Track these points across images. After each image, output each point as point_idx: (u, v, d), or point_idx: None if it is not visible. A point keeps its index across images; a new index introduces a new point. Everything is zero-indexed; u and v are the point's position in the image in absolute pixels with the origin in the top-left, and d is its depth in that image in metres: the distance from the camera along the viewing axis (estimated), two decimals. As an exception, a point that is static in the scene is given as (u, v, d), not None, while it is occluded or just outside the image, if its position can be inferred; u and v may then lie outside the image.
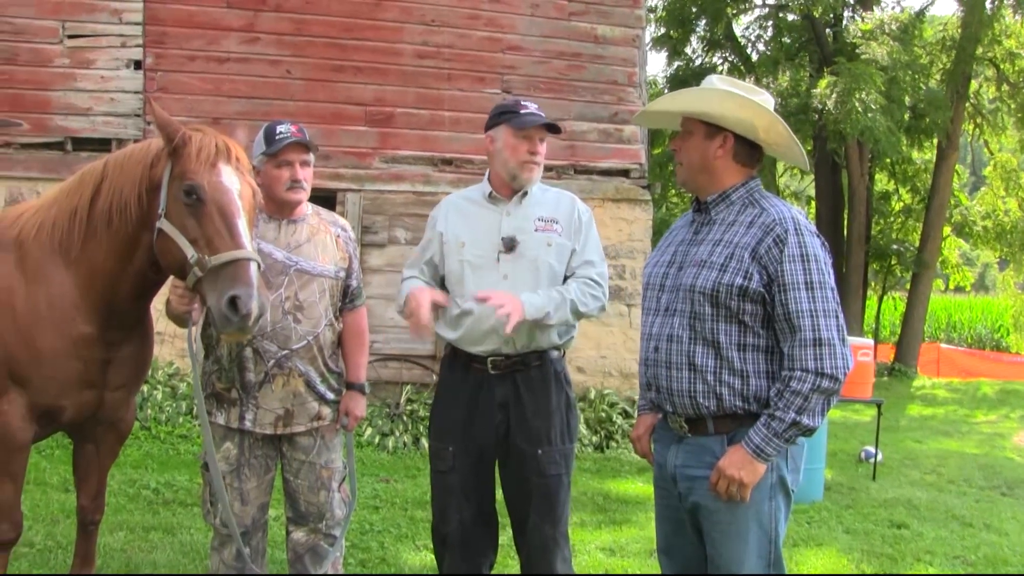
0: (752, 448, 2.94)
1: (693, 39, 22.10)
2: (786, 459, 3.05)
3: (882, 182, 22.92)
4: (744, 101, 3.07)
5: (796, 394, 2.89)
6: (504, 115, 3.87)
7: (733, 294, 2.99)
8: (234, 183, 3.41)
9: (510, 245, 3.80)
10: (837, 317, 2.94)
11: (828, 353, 2.89)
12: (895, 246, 20.89)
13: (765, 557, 3.05)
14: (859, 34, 17.59)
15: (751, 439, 2.95)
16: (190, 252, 3.32)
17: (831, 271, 3.00)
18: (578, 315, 3.79)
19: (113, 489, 6.36)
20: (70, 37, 9.03)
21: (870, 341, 9.94)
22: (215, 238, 3.31)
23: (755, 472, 2.95)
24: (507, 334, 3.59)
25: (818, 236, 3.04)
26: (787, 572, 3.20)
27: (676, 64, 22.17)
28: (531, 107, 3.86)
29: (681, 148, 3.23)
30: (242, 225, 3.34)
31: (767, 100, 3.14)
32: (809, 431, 2.93)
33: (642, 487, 7.50)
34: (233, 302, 3.19)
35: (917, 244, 20.20)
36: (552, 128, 3.87)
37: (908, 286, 20.98)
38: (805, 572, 5.67)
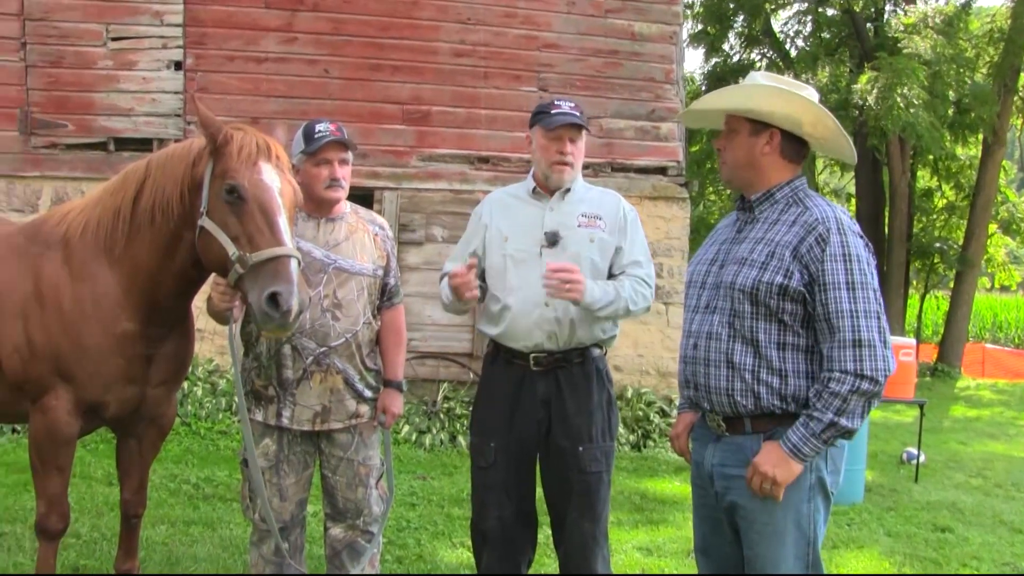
0: (789, 447, 2.92)
1: (731, 35, 21.96)
2: (826, 460, 3.03)
3: (924, 179, 22.64)
4: (791, 96, 3.06)
5: (835, 395, 2.87)
6: (537, 115, 3.91)
7: (773, 292, 2.98)
8: (275, 181, 3.46)
9: (552, 240, 3.83)
10: (879, 318, 2.91)
11: (868, 355, 2.86)
12: (938, 244, 20.63)
13: (803, 558, 3.03)
14: (901, 28, 17.38)
15: (788, 438, 2.93)
16: (231, 249, 3.37)
17: (875, 272, 2.98)
18: (627, 314, 3.81)
19: (155, 483, 6.47)
20: (113, 40, 9.17)
21: (912, 341, 9.86)
22: (256, 235, 3.35)
23: (790, 471, 2.93)
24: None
25: (862, 237, 3.01)
26: (826, 575, 3.18)
27: (714, 61, 22.05)
28: (564, 106, 3.86)
29: (726, 146, 3.22)
30: (283, 222, 3.39)
31: (812, 94, 3.13)
32: (848, 433, 2.91)
33: (679, 487, 7.49)
34: (274, 298, 3.23)
35: (961, 242, 19.94)
36: (581, 127, 3.86)
37: (951, 284, 20.73)
38: (845, 575, 5.64)
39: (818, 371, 2.98)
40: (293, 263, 3.32)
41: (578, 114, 3.85)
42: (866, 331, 2.87)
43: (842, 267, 2.92)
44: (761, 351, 3.02)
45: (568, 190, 3.93)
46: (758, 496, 2.99)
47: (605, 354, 4.02)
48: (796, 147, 3.15)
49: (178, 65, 9.24)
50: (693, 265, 3.35)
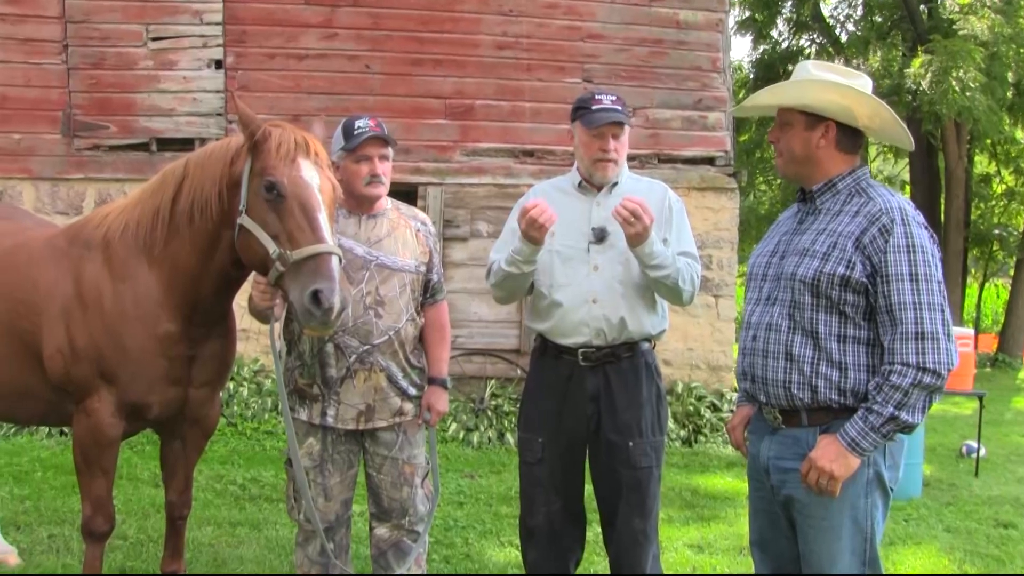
0: (847, 441, 2.89)
1: (779, 21, 21.79)
2: (884, 455, 2.99)
3: (982, 164, 22.35)
4: (846, 90, 3.04)
5: (895, 388, 2.83)
6: (579, 110, 3.86)
7: (835, 283, 2.96)
8: (314, 178, 3.46)
9: (600, 236, 3.80)
10: (943, 311, 2.87)
11: (932, 347, 2.82)
12: (997, 230, 20.39)
13: (860, 555, 3.00)
14: (956, 9, 17.12)
15: (847, 432, 2.90)
16: (272, 247, 3.38)
17: (939, 264, 2.94)
18: (673, 288, 3.74)
19: (200, 484, 6.53)
20: (153, 40, 9.29)
21: (970, 331, 9.70)
22: (296, 233, 3.35)
23: (848, 466, 2.89)
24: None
25: (927, 228, 2.97)
26: (884, 572, 3.13)
27: (762, 48, 21.89)
28: (605, 101, 3.81)
29: (780, 139, 3.20)
30: (323, 219, 3.39)
31: (866, 83, 3.10)
32: (908, 428, 2.87)
33: (731, 482, 7.42)
34: (316, 296, 3.23)
35: (1021, 228, 19.65)
36: (622, 123, 3.81)
37: (1012, 272, 20.41)
38: (903, 572, 5.55)
39: (879, 365, 2.95)
40: (334, 260, 3.31)
41: (620, 108, 3.80)
42: (929, 324, 2.83)
43: (906, 258, 2.89)
44: (821, 343, 3.00)
45: (615, 183, 3.90)
46: (814, 492, 2.96)
47: (654, 347, 3.99)
48: (852, 138, 3.13)
49: (218, 64, 9.33)
50: (754, 258, 3.34)
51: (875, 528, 3.01)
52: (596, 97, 3.85)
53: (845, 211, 3.04)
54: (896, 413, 2.83)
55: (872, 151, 22.02)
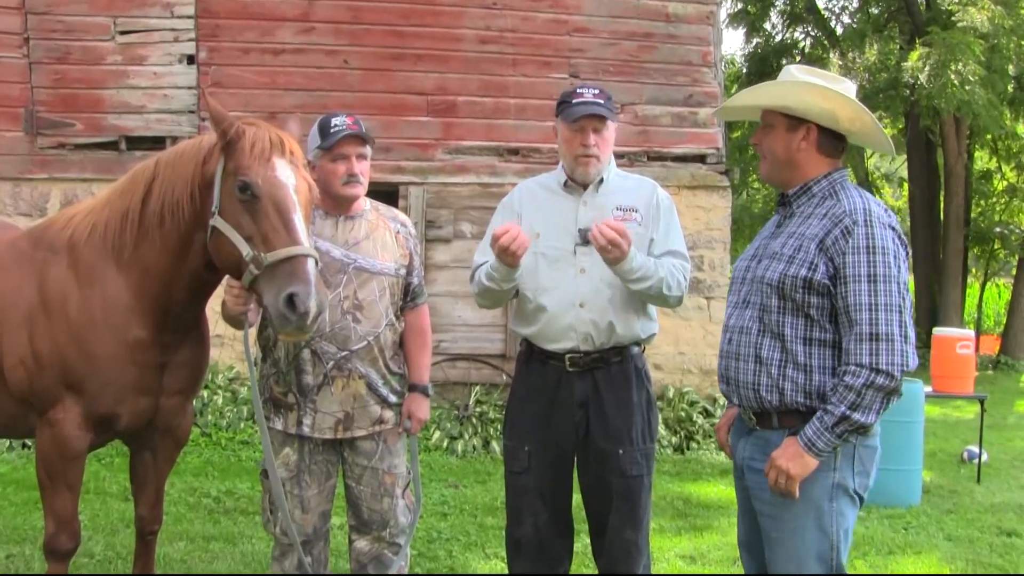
0: (804, 441, 3.00)
1: (772, 14, 21.83)
2: (852, 460, 3.09)
3: (982, 160, 22.45)
4: (827, 92, 3.12)
5: (849, 389, 2.94)
6: (560, 105, 3.87)
7: (798, 286, 3.07)
8: (289, 178, 3.46)
9: (587, 237, 3.77)
10: (901, 312, 2.97)
11: (886, 348, 2.93)
12: (998, 228, 20.47)
13: (826, 563, 3.09)
14: (955, 0, 17.19)
15: (804, 432, 3.01)
16: (245, 250, 3.37)
17: (902, 265, 3.04)
18: (659, 296, 3.76)
19: (173, 498, 6.51)
20: (122, 33, 9.25)
21: (971, 332, 9.68)
22: (271, 235, 3.35)
23: (804, 466, 3.00)
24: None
25: (893, 229, 3.07)
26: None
27: (755, 41, 21.93)
28: (587, 94, 3.81)
29: (763, 142, 3.30)
30: (299, 220, 3.38)
31: (849, 88, 3.18)
32: (862, 428, 2.97)
33: (724, 490, 7.44)
34: (291, 300, 3.23)
35: (1023, 226, 19.74)
36: (603, 116, 3.80)
37: (1014, 272, 20.50)
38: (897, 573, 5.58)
39: None
40: (310, 263, 3.31)
41: (602, 102, 3.80)
42: (884, 325, 2.94)
43: (865, 259, 2.98)
44: (787, 346, 3.11)
45: (601, 181, 3.90)
46: (776, 492, 3.07)
47: (644, 351, 4.00)
48: (833, 142, 3.22)
49: (191, 59, 9.30)
50: (738, 262, 3.45)
51: (841, 536, 3.10)
52: (578, 91, 3.86)
53: (816, 213, 3.14)
54: (848, 413, 2.93)
55: (868, 149, 22.08)
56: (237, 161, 3.45)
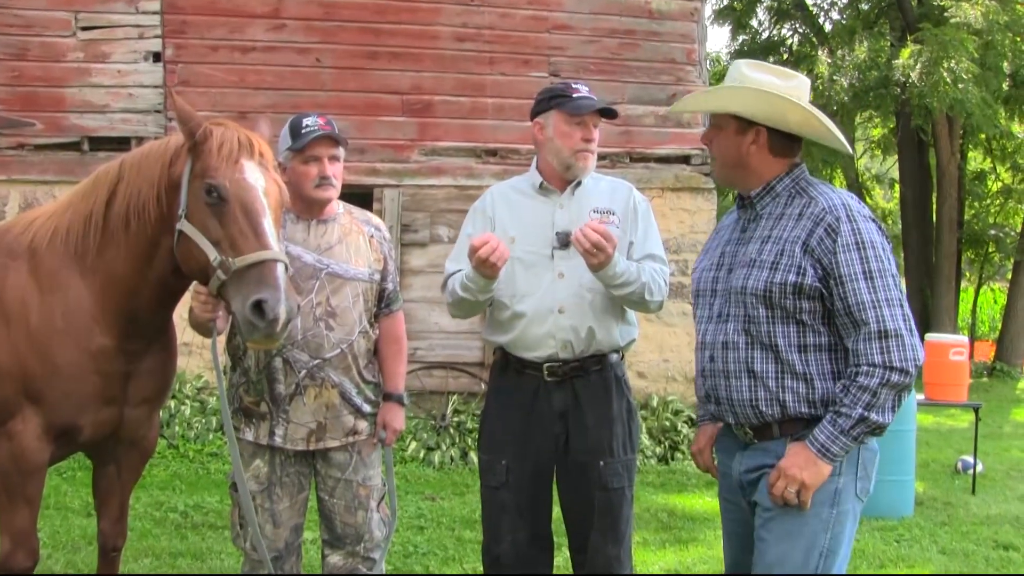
0: (817, 447, 2.96)
1: (759, 10, 21.94)
2: (856, 465, 3.07)
3: (976, 160, 22.57)
4: (773, 98, 3.10)
5: (863, 389, 2.92)
6: (555, 99, 3.87)
7: (788, 293, 3.03)
8: (259, 180, 3.46)
9: (565, 241, 3.79)
10: (902, 306, 2.97)
11: (896, 345, 2.92)
12: (993, 231, 20.56)
13: (813, 566, 3.03)
14: (948, -5, 17.29)
15: (816, 437, 2.97)
16: (212, 254, 3.37)
17: (891, 257, 3.04)
18: (641, 301, 3.78)
19: (138, 512, 6.49)
20: (84, 29, 9.22)
21: (964, 338, 9.77)
22: (239, 239, 3.35)
23: (819, 474, 2.97)
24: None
25: (873, 220, 3.07)
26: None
27: (741, 38, 22.05)
28: (583, 90, 3.86)
29: (713, 142, 3.28)
30: (268, 224, 3.39)
31: (801, 85, 3.18)
32: (879, 428, 2.96)
33: (710, 502, 7.47)
34: (259, 306, 3.22)
35: (1019, 228, 19.85)
36: (607, 113, 3.86)
37: (1009, 276, 20.62)
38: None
39: (844, 370, 3.04)
40: (279, 268, 3.32)
41: (596, 98, 3.87)
42: (891, 321, 2.93)
43: (857, 256, 2.97)
44: (782, 356, 3.07)
45: (578, 183, 3.92)
46: (780, 504, 3.02)
47: (623, 358, 4.02)
48: (786, 142, 3.20)
49: (156, 56, 9.28)
50: (698, 272, 3.40)
51: (836, 543, 3.06)
52: (573, 86, 3.90)
53: (787, 214, 3.12)
54: (866, 414, 2.91)
55: (859, 147, 22.22)
56: (204, 163, 3.45)
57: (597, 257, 3.57)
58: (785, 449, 3.06)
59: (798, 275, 3.01)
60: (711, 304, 3.27)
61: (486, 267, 3.60)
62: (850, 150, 3.36)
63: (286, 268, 3.37)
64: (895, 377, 2.91)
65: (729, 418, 3.22)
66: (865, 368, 2.93)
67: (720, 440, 3.39)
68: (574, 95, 3.84)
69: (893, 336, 2.92)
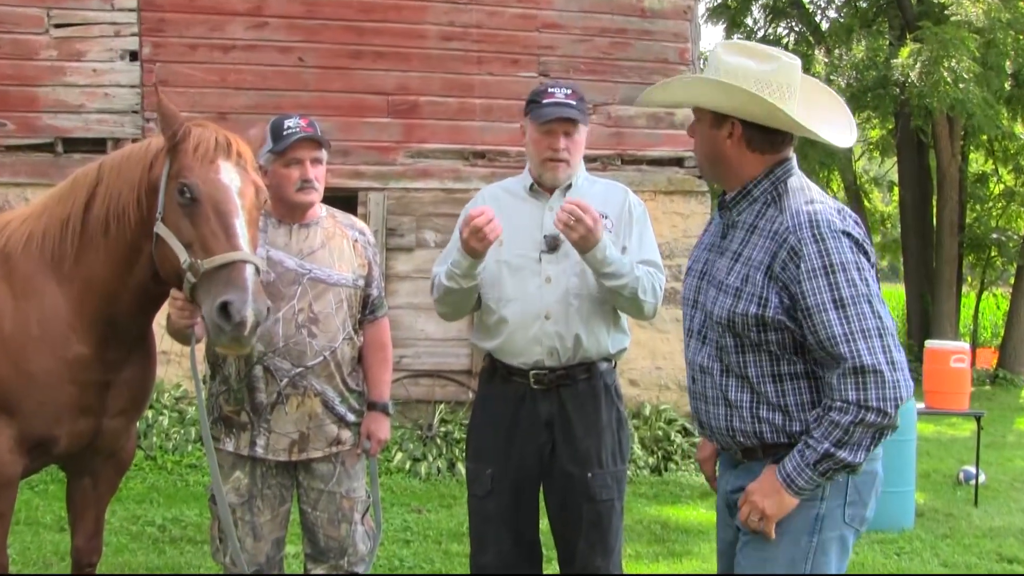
0: (783, 476, 2.83)
1: (754, 8, 21.95)
2: (845, 489, 2.93)
3: (978, 162, 22.58)
4: (731, 89, 2.91)
5: (835, 425, 2.74)
6: (530, 104, 3.88)
7: (749, 324, 2.90)
8: (234, 180, 3.47)
9: (553, 244, 3.81)
10: (881, 336, 2.75)
11: (874, 382, 2.72)
12: (995, 235, 20.51)
13: None
14: (948, -8, 17.33)
15: (784, 466, 2.83)
16: (183, 256, 3.38)
17: (868, 277, 2.82)
18: (632, 299, 3.75)
19: (113, 527, 6.48)
20: (57, 26, 9.18)
21: (965, 345, 9.76)
22: (210, 240, 3.36)
23: (781, 505, 2.84)
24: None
25: (848, 234, 2.84)
26: None
27: (735, 37, 22.04)
28: (558, 94, 3.83)
29: (694, 136, 3.15)
30: (240, 225, 3.39)
31: (780, 69, 2.96)
32: (849, 467, 2.79)
33: (704, 514, 7.49)
34: (225, 308, 3.22)
35: (1022, 232, 19.86)
36: (575, 120, 3.82)
37: (1012, 281, 20.65)
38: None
39: (821, 399, 2.89)
40: (248, 269, 3.31)
41: (574, 103, 3.81)
42: (868, 355, 2.72)
43: (825, 283, 2.77)
44: (755, 387, 2.95)
45: (569, 186, 3.92)
46: (746, 528, 2.93)
47: (615, 366, 4.02)
48: (766, 136, 3.00)
49: (134, 55, 9.26)
50: (687, 277, 3.27)
51: (818, 571, 2.92)
52: (549, 90, 3.87)
53: (759, 228, 2.95)
54: (833, 451, 2.74)
55: (857, 149, 22.24)
56: (180, 163, 3.47)
57: (576, 231, 3.53)
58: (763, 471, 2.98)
59: (759, 306, 2.86)
60: (692, 316, 3.16)
61: (477, 239, 3.58)
62: (844, 143, 3.12)
63: (257, 270, 3.37)
64: (871, 417, 2.71)
65: (713, 440, 3.18)
66: (839, 404, 2.74)
67: (722, 455, 3.29)
68: (544, 100, 3.82)
69: (871, 372, 2.71)
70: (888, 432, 2.80)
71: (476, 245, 3.62)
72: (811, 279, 2.78)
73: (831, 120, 3.11)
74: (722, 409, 3.03)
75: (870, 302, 2.78)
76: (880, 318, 2.78)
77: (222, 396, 3.90)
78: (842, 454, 2.74)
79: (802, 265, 2.79)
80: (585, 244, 3.59)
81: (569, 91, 3.87)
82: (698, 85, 3.10)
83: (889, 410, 2.73)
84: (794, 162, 3.09)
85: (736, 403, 2.99)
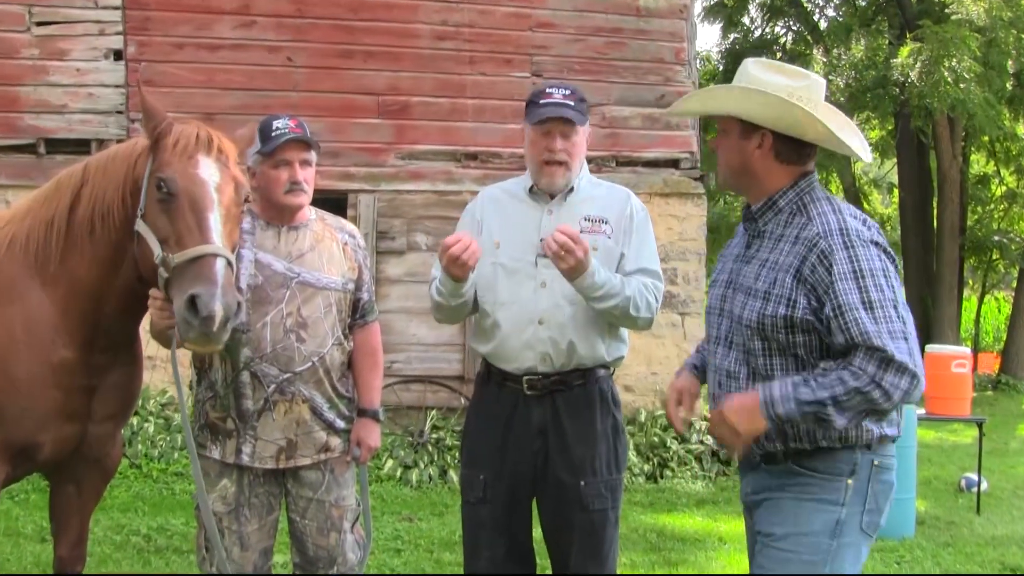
0: (765, 396, 2.93)
1: (751, 7, 21.97)
2: (864, 497, 3.04)
3: (979, 163, 22.67)
4: (770, 100, 3.05)
5: (841, 382, 2.84)
6: (528, 106, 3.86)
7: (779, 326, 3.01)
8: (212, 176, 3.46)
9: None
10: (906, 339, 2.87)
11: (895, 370, 2.82)
12: (996, 237, 20.59)
13: None
14: (949, -10, 17.38)
15: (771, 388, 2.94)
16: (157, 251, 3.38)
17: (895, 284, 2.96)
18: (625, 317, 3.77)
19: (97, 536, 6.46)
20: (39, 24, 9.18)
21: (967, 349, 9.79)
22: (184, 234, 3.35)
23: (752, 425, 2.94)
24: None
25: (876, 244, 2.99)
26: None
27: (732, 36, 22.10)
28: (556, 95, 3.81)
29: (720, 147, 3.25)
30: (214, 219, 3.38)
31: (812, 86, 3.12)
32: (829, 424, 2.89)
33: (701, 522, 7.50)
34: (192, 302, 3.21)
35: (1024, 234, 19.93)
36: (571, 120, 3.80)
37: (1015, 284, 20.71)
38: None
39: None
40: (219, 262, 3.30)
41: (571, 104, 3.80)
42: (898, 353, 2.82)
43: (854, 285, 2.89)
44: None
45: (572, 189, 3.90)
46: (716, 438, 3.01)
47: (612, 373, 4.02)
48: (795, 148, 3.14)
49: (118, 55, 9.26)
50: (712, 287, 3.38)
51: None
52: (547, 91, 3.85)
53: (787, 236, 3.07)
54: (827, 403, 2.85)
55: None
56: (159, 159, 3.47)
57: (566, 261, 3.54)
58: (790, 477, 3.08)
59: (788, 307, 2.99)
60: (718, 324, 3.26)
61: (456, 267, 3.59)
62: (868, 157, 3.34)
63: (230, 264, 3.36)
64: (876, 393, 2.83)
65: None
66: (855, 369, 2.84)
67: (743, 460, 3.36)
68: (542, 101, 3.81)
69: (897, 363, 2.82)
70: (879, 418, 2.96)
71: (457, 272, 3.63)
72: (842, 281, 2.90)
73: (851, 136, 3.22)
74: None
75: (896, 307, 2.91)
76: (904, 323, 2.90)
77: (208, 402, 3.89)
78: (831, 411, 2.86)
79: (833, 269, 2.92)
80: (573, 273, 3.59)
81: (568, 91, 3.85)
82: (735, 94, 3.16)
83: (895, 396, 2.83)
84: (816, 175, 3.22)
85: None
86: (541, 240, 3.79)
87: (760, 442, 3.06)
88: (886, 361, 2.82)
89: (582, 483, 3.81)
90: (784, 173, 3.15)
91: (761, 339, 3.06)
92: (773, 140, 3.11)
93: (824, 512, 3.00)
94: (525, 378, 3.82)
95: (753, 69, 3.16)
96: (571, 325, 3.78)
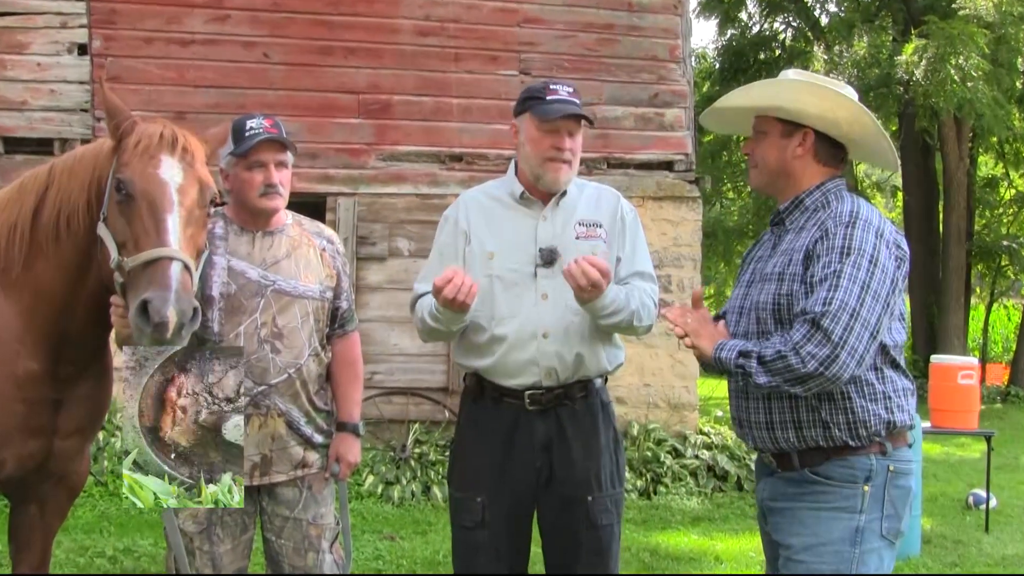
0: (719, 342, 3.21)
1: (749, 2, 22.01)
2: (882, 503, 3.14)
3: (987, 166, 22.74)
4: (823, 91, 3.25)
5: (771, 347, 3.05)
6: (529, 101, 3.83)
7: (793, 305, 3.14)
8: (174, 176, 3.42)
9: (550, 258, 3.77)
10: (852, 319, 2.97)
11: (818, 340, 2.96)
12: (1005, 242, 20.65)
13: None
14: (957, -15, 17.44)
15: (727, 343, 3.20)
16: (113, 255, 3.37)
17: (886, 279, 3.06)
18: (628, 328, 3.79)
19: (59, 560, 6.41)
20: (-3, 16, 9.14)
21: (975, 360, 9.81)
22: (141, 238, 3.32)
23: (701, 343, 3.25)
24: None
25: (879, 235, 3.10)
26: None
27: (729, 33, 22.13)
28: (562, 91, 3.81)
29: (755, 150, 3.41)
30: (172, 221, 3.34)
31: (850, 93, 3.31)
32: (750, 377, 3.08)
33: (696, 540, 7.51)
34: (144, 308, 3.17)
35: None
36: (584, 118, 3.82)
37: (1024, 292, 20.78)
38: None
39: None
40: (174, 266, 3.25)
41: (577, 102, 3.81)
42: (830, 322, 2.96)
43: (836, 258, 3.05)
44: None
45: (564, 193, 3.89)
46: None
47: (606, 382, 4.02)
48: (832, 149, 3.35)
49: (82, 49, 9.25)
50: (735, 289, 3.55)
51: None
52: (551, 87, 3.84)
53: (807, 227, 3.25)
54: (751, 355, 3.08)
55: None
56: (120, 159, 3.45)
57: (591, 294, 3.55)
58: (806, 486, 3.19)
59: (801, 284, 3.15)
60: (738, 323, 3.39)
61: (455, 306, 3.58)
62: (898, 165, 3.60)
63: (186, 268, 3.31)
64: (793, 360, 2.98)
65: (749, 442, 3.38)
66: (788, 335, 3.04)
67: (757, 464, 3.54)
68: (548, 97, 3.79)
69: (822, 332, 2.96)
70: (797, 387, 3.04)
71: (457, 309, 3.61)
72: (828, 254, 3.08)
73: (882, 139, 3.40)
74: (761, 403, 3.27)
75: (865, 290, 3.02)
76: (863, 306, 3.01)
77: (180, 416, 3.89)
78: (755, 366, 3.08)
79: (827, 243, 3.10)
80: (590, 298, 3.60)
81: (571, 89, 3.85)
82: (785, 86, 3.32)
83: (809, 366, 2.97)
84: (844, 178, 3.39)
85: (776, 396, 3.20)
86: (541, 249, 3.78)
87: (776, 434, 3.22)
88: (813, 330, 2.97)
89: (589, 498, 3.81)
90: (819, 174, 3.35)
91: (776, 321, 3.19)
92: (815, 139, 3.31)
93: (843, 520, 3.12)
94: (527, 393, 3.79)
95: (793, 74, 3.37)
96: (576, 337, 3.76)
